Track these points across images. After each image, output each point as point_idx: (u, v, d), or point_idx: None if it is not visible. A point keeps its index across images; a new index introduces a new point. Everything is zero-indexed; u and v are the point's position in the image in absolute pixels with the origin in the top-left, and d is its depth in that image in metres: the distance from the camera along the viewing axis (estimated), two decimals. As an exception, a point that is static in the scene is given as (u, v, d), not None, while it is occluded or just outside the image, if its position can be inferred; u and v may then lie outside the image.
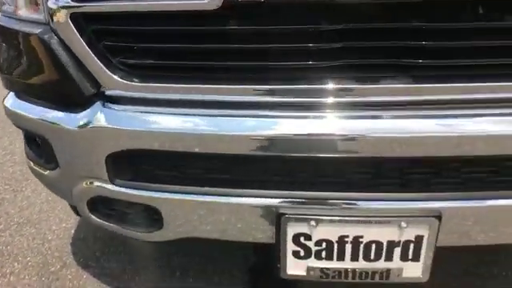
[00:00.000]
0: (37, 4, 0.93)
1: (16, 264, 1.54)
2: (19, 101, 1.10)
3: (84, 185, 1.00)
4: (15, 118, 1.11)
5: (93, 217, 1.07)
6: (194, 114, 0.86)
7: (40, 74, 0.98)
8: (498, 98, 0.81)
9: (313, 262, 0.91)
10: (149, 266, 1.53)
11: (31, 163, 1.20)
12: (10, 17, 1.02)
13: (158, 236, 1.01)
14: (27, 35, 0.96)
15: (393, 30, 0.75)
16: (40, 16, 0.92)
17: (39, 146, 1.12)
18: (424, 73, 0.79)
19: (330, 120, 0.80)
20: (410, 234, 0.86)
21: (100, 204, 1.03)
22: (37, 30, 0.92)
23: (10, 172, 2.18)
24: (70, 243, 1.66)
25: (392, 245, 0.87)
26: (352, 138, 0.80)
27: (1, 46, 1.09)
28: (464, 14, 0.75)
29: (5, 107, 1.14)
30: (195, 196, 0.91)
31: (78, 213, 1.31)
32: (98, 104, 0.91)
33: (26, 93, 1.07)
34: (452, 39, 0.75)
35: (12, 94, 1.14)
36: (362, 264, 0.90)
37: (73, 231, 1.73)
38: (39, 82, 0.98)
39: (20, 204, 1.91)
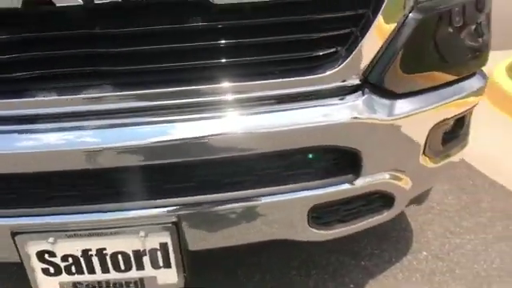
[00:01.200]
0: None
1: None
2: None
3: None
4: None
5: None
6: None
7: None
8: (208, 102, 0.80)
9: (65, 278, 0.87)
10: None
11: None
12: None
13: None
14: None
15: (81, 37, 0.72)
16: None
17: None
18: (129, 79, 0.76)
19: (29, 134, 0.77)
20: (153, 242, 0.84)
21: None
22: None
23: None
24: None
25: (139, 254, 0.85)
26: (68, 152, 0.77)
27: None
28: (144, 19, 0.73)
29: None
30: None
31: None
32: None
33: None
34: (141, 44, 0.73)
35: None
36: (114, 275, 0.88)
37: None
38: None
39: None
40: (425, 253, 1.50)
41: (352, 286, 1.38)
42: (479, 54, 1.04)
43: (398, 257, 1.50)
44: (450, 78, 0.98)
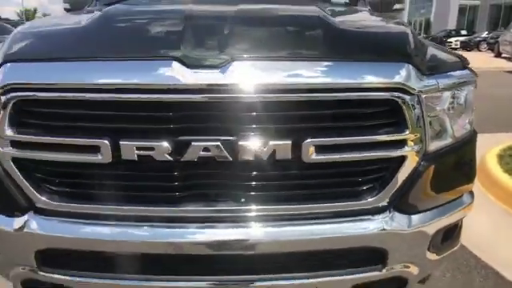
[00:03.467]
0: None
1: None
2: None
3: (20, 269, 1.34)
4: None
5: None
6: (93, 224, 1.24)
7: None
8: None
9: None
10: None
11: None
12: None
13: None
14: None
15: None
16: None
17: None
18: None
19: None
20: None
21: (31, 283, 1.37)
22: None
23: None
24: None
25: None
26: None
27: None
28: None
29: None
30: (95, 280, 1.28)
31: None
32: (31, 213, 1.27)
33: None
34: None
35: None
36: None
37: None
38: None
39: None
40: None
41: None
42: (467, 183, 1.52)
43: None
44: (448, 200, 1.44)
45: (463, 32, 34.39)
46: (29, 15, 70.32)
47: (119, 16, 1.50)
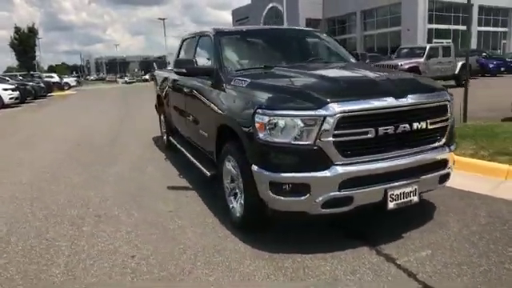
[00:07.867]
0: (309, 140, 3.01)
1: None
2: (276, 173, 3.09)
3: (327, 195, 3.04)
4: (283, 180, 3.06)
5: (323, 210, 3.09)
6: (363, 165, 3.09)
7: (308, 162, 3.03)
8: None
9: (398, 200, 3.23)
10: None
11: (282, 198, 3.11)
12: (287, 142, 3.05)
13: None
14: (301, 149, 3.01)
15: None
16: (310, 142, 3.01)
17: (294, 189, 3.07)
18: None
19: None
20: (413, 188, 3.29)
21: (329, 201, 3.07)
22: (309, 147, 3.00)
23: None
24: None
25: (410, 192, 3.28)
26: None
27: (277, 154, 3.08)
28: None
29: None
30: (362, 190, 3.12)
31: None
32: (333, 166, 3.02)
33: (292, 168, 3.06)
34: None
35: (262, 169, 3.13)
36: (403, 200, 3.27)
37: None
38: (309, 164, 3.03)
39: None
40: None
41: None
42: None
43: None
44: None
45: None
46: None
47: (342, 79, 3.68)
